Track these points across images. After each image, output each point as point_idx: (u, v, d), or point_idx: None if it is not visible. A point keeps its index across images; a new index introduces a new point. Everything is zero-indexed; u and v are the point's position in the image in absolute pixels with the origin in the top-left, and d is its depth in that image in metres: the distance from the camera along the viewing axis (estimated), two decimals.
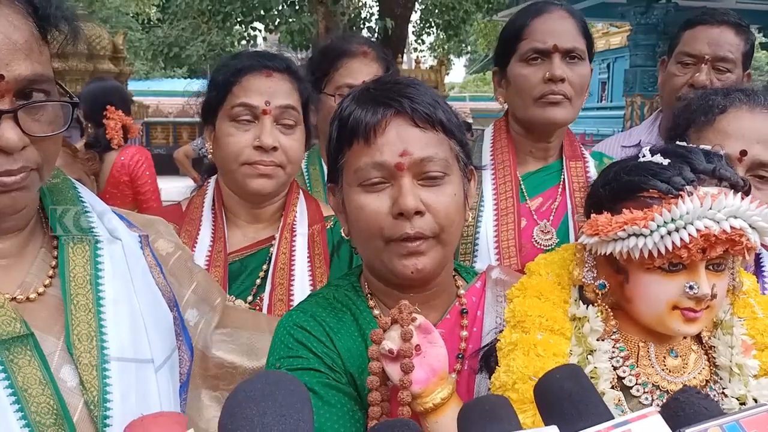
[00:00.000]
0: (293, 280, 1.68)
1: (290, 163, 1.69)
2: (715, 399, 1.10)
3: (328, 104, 2.13)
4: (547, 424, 0.70)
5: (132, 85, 11.06)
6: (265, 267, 1.72)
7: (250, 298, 1.69)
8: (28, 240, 1.04)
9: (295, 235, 1.74)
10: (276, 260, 1.69)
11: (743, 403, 1.08)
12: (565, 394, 0.70)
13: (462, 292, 1.28)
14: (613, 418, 0.64)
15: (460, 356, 1.22)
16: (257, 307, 1.68)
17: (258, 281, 1.71)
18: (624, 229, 1.03)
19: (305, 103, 1.74)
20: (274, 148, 1.63)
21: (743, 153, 1.36)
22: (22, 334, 0.94)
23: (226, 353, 1.31)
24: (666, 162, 1.05)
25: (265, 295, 1.67)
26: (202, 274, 1.35)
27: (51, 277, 1.03)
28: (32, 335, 0.95)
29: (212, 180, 1.81)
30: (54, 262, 1.05)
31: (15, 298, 0.98)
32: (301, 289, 1.66)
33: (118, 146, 3.96)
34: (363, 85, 1.24)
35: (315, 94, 1.89)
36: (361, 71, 2.08)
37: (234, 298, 1.68)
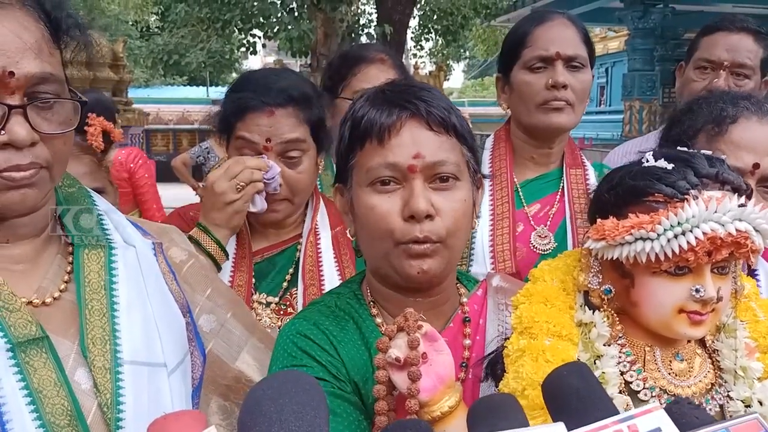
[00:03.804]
0: (323, 280, 1.71)
1: (297, 194, 1.70)
2: (720, 402, 1.10)
3: (344, 108, 2.14)
4: (555, 420, 0.70)
5: (132, 93, 11.12)
6: (291, 270, 1.74)
7: (277, 298, 1.71)
8: (45, 246, 1.06)
9: (320, 238, 1.76)
10: (304, 263, 1.72)
11: (748, 406, 1.09)
12: (573, 391, 0.71)
13: (465, 300, 1.27)
14: (618, 413, 0.65)
15: (463, 365, 1.20)
16: (287, 303, 1.71)
17: (285, 284, 1.73)
18: (631, 233, 1.03)
19: (316, 124, 1.73)
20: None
21: (756, 166, 1.37)
22: (37, 336, 0.96)
23: (249, 369, 1.30)
24: (670, 167, 1.06)
25: (298, 295, 1.69)
26: (218, 282, 1.36)
27: (66, 282, 1.05)
28: (47, 338, 0.97)
29: None
30: (69, 268, 1.06)
31: (31, 302, 1.00)
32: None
33: (98, 149, 4.05)
34: (377, 87, 1.23)
35: (329, 101, 1.90)
36: (378, 77, 2.07)
37: (266, 295, 1.71)
